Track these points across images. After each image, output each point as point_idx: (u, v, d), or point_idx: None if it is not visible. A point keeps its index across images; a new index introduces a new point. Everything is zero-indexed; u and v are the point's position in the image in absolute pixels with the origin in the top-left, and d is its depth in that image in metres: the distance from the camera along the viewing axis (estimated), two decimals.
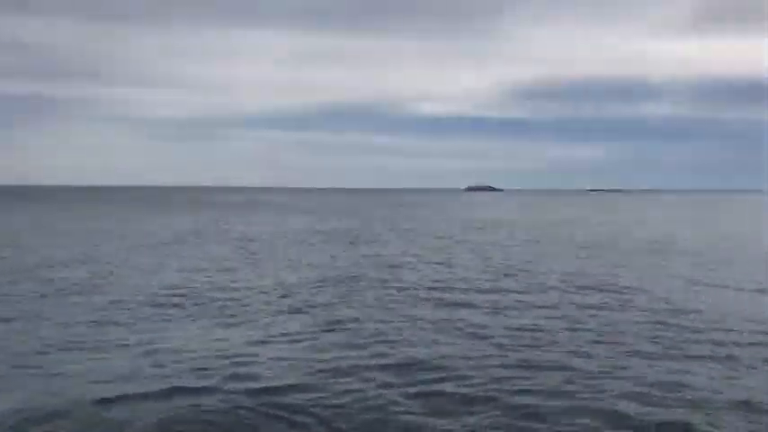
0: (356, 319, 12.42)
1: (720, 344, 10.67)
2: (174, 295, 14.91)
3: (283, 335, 11.20)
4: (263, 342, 10.76)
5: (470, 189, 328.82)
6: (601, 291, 16.02)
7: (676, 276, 18.69)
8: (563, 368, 9.29)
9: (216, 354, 9.94)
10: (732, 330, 11.61)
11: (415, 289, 16.15)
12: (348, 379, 8.73)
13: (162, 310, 13.29)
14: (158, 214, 57.72)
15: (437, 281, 17.58)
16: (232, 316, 12.80)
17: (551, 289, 16.34)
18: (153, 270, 19.41)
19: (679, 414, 7.55)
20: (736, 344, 10.68)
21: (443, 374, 9.00)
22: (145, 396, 7.98)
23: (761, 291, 16.17)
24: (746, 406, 7.79)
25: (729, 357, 9.90)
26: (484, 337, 11.10)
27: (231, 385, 8.44)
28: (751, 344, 10.69)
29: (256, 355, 9.87)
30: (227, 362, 9.50)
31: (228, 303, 14.06)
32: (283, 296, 15.00)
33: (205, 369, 9.12)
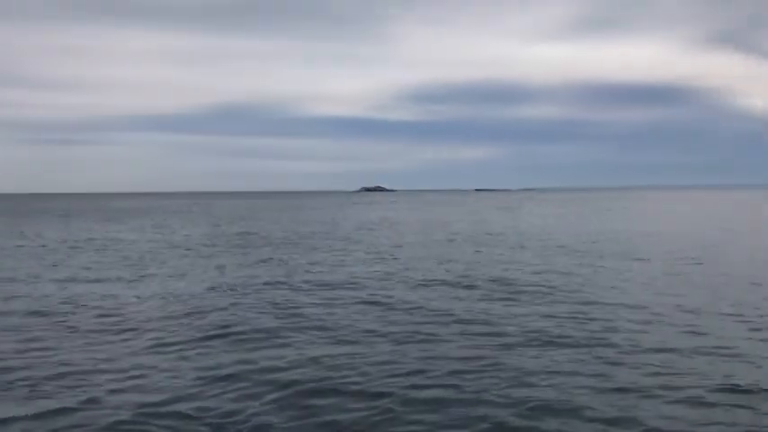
0: (246, 324, 12.33)
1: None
2: (49, 306, 14.12)
3: (169, 344, 10.93)
4: (148, 352, 10.45)
5: (363, 190, 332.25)
6: (480, 286, 16.89)
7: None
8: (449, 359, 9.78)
9: (99, 368, 9.57)
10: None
11: (309, 290, 16.26)
12: (240, 384, 8.71)
13: (34, 320, 12.52)
14: (31, 224, 53.67)
15: (328, 282, 17.78)
16: (114, 326, 12.30)
17: (444, 284, 17.03)
18: (26, 280, 18.24)
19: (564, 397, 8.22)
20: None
21: (335, 373, 9.19)
22: (19, 419, 7.55)
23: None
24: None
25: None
26: (382, 335, 11.43)
27: (116, 399, 8.18)
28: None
29: (141, 366, 9.59)
30: (110, 375, 9.17)
31: (109, 314, 13.48)
32: (168, 304, 14.57)
33: (87, 385, 8.76)
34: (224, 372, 9.29)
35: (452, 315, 13.11)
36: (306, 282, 17.88)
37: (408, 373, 9.14)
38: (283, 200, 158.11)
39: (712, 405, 7.82)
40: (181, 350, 10.55)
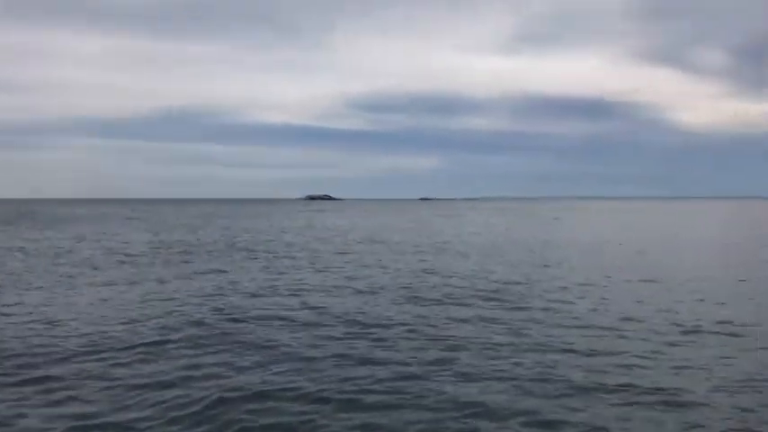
0: (182, 331, 12.17)
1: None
2: None
3: (102, 351, 10.71)
4: (82, 361, 10.20)
5: (309, 198, 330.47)
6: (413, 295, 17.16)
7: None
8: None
9: (25, 379, 9.29)
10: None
11: (251, 297, 16.19)
12: (176, 392, 8.64)
13: None
14: None
15: (270, 287, 17.72)
16: (42, 334, 11.92)
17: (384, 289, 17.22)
18: None
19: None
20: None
21: (278, 378, 9.21)
22: None
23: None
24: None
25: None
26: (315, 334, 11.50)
27: (48, 411, 7.97)
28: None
29: (72, 377, 9.37)
30: (38, 387, 8.92)
31: (40, 321, 13.05)
32: (103, 313, 14.23)
33: (13, 399, 8.50)
34: (161, 379, 9.20)
35: (395, 320, 13.32)
36: (246, 290, 17.78)
37: (346, 379, 9.25)
38: (227, 207, 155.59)
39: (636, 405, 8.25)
40: (114, 358, 10.35)
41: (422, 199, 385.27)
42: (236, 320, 13.47)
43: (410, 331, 12.39)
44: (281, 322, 13.34)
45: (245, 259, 26.90)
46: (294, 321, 13.43)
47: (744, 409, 8.10)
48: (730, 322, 13.14)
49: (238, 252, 30.51)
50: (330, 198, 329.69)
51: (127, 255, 28.73)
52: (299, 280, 20.04)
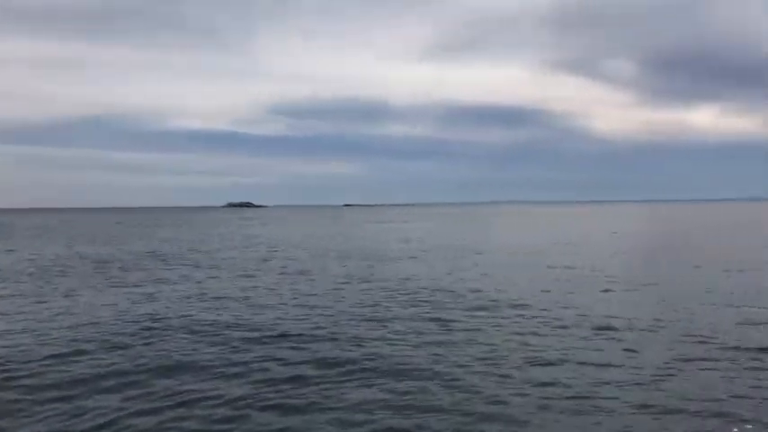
0: (94, 342, 12.23)
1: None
2: None
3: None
4: None
5: (231, 206, 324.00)
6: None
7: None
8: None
9: None
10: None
11: (172, 306, 16.24)
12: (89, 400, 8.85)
13: None
14: None
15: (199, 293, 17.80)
16: None
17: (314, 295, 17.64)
18: None
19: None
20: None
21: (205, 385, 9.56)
22: None
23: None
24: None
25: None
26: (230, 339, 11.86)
27: None
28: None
29: None
30: None
31: None
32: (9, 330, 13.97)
33: None
34: (62, 393, 9.35)
35: (320, 330, 13.73)
36: (168, 300, 17.78)
37: (260, 381, 9.72)
38: (145, 216, 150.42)
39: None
40: (17, 370, 10.37)
41: (346, 205, 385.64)
42: (149, 329, 13.61)
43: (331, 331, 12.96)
44: (191, 334, 13.51)
45: (160, 270, 26.57)
46: (199, 332, 13.56)
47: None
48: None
49: (154, 262, 30.03)
50: (252, 205, 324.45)
51: (38, 268, 27.73)
52: (219, 288, 20.16)
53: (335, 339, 12.42)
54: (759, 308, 15.33)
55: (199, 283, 21.76)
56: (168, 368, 10.45)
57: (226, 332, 13.25)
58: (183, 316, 15.14)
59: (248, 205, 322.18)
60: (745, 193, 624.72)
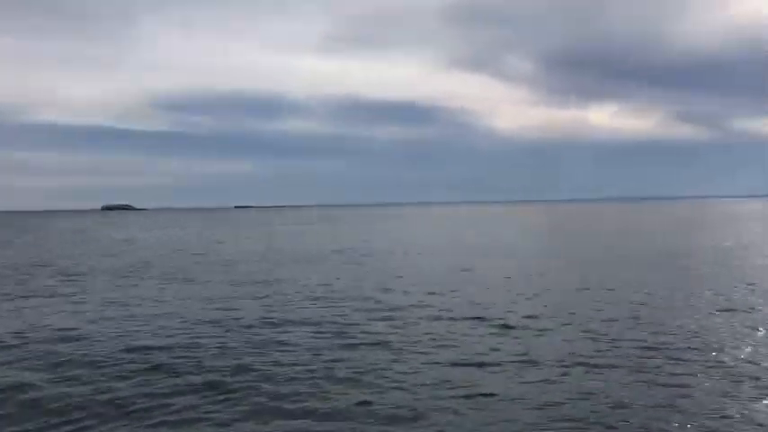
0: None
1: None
2: None
3: None
4: None
5: (106, 209, 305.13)
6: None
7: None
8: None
9: None
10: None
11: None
12: None
13: None
14: None
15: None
16: None
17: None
18: None
19: None
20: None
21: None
22: None
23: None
24: None
25: None
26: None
27: None
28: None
29: None
30: None
31: None
32: None
33: None
34: None
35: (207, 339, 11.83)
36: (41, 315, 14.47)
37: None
38: (6, 221, 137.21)
39: None
40: None
41: (236, 207, 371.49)
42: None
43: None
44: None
45: (29, 283, 22.63)
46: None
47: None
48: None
49: (23, 275, 25.79)
50: (131, 208, 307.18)
51: None
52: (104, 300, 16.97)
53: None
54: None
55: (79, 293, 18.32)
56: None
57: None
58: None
59: (127, 208, 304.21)
60: (635, 193, 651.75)
